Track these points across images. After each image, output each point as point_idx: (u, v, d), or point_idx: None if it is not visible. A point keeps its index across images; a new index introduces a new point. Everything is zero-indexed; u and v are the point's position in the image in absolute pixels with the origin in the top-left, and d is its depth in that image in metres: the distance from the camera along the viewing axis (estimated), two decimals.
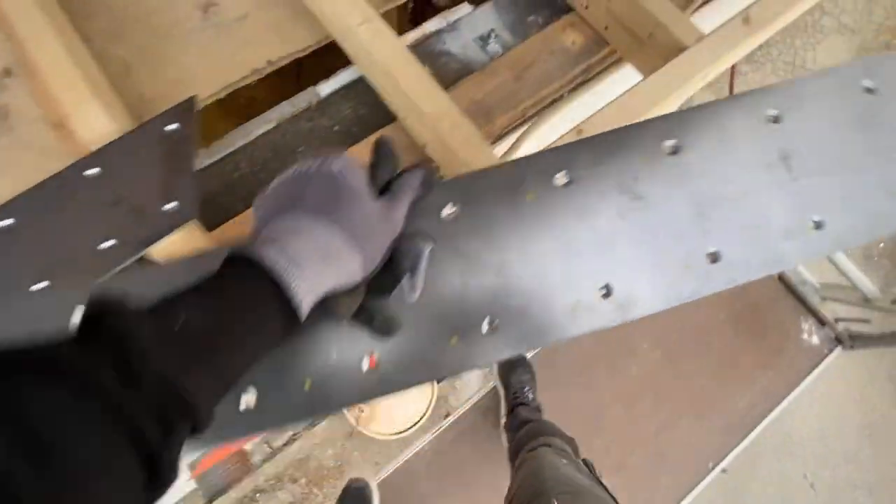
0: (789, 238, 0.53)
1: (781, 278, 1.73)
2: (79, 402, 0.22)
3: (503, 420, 1.53)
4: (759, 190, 0.54)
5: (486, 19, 1.01)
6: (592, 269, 0.51)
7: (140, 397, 0.23)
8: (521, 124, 0.96)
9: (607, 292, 0.50)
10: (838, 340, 1.65)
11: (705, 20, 0.92)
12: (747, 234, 0.53)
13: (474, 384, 1.75)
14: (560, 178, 0.54)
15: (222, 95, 0.91)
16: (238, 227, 0.79)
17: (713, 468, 1.54)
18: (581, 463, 0.99)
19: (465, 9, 1.03)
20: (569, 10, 0.97)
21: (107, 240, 0.63)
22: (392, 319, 0.43)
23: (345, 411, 2.03)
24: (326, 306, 0.37)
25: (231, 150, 0.89)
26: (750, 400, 1.59)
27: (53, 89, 0.71)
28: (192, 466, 1.27)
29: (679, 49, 0.77)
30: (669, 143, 0.56)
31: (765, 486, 2.34)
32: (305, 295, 0.32)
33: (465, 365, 0.47)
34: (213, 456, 1.57)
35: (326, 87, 0.93)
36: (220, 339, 0.29)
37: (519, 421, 1.39)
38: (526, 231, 0.51)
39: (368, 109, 0.92)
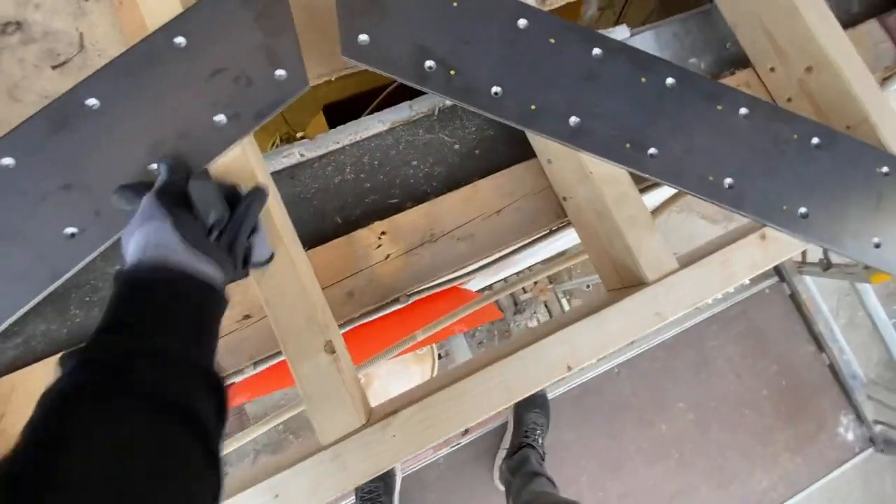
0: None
1: (832, 367, 1.66)
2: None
3: (502, 453, 1.48)
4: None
5: (642, 47, 0.87)
6: None
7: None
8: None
9: None
10: (872, 442, 1.61)
11: None
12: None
13: None
14: None
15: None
16: (331, 253, 0.69)
17: None
18: None
19: (622, 31, 0.89)
20: (745, 64, 0.84)
21: (216, 114, 0.56)
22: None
23: None
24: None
25: (336, 147, 0.77)
26: (772, 482, 1.55)
27: None
28: None
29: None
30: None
31: None
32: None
33: None
34: None
35: None
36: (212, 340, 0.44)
37: (529, 471, 1.33)
38: None
39: (498, 133, 0.80)
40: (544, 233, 0.75)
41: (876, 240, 0.65)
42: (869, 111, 0.69)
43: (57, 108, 0.55)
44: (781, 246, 0.63)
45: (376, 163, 0.77)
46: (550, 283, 4.99)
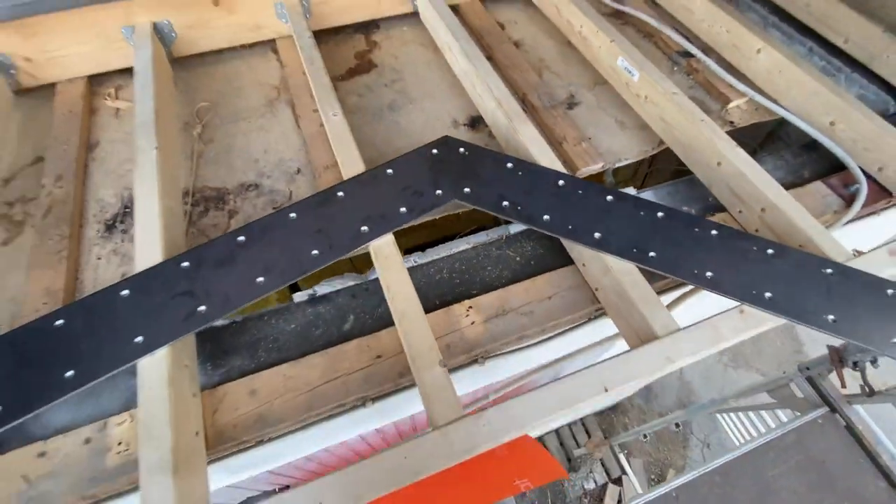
0: None
1: None
2: None
3: None
4: None
5: None
6: None
7: None
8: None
9: None
10: None
11: (851, 238, 1.09)
12: None
13: None
14: None
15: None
16: (435, 319, 1.01)
17: None
18: None
19: (629, 192, 1.29)
20: (723, 209, 1.20)
21: (401, 208, 1.02)
22: None
23: None
24: None
25: (437, 257, 1.15)
26: None
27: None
28: None
29: None
30: None
31: None
32: None
33: None
34: None
35: (515, 228, 1.20)
36: None
37: None
38: None
39: (546, 251, 1.16)
40: (584, 321, 1.04)
41: (831, 317, 0.88)
42: (811, 234, 1.00)
43: (321, 195, 1.04)
44: (758, 318, 0.88)
45: (463, 267, 1.14)
46: (605, 437, 4.68)
